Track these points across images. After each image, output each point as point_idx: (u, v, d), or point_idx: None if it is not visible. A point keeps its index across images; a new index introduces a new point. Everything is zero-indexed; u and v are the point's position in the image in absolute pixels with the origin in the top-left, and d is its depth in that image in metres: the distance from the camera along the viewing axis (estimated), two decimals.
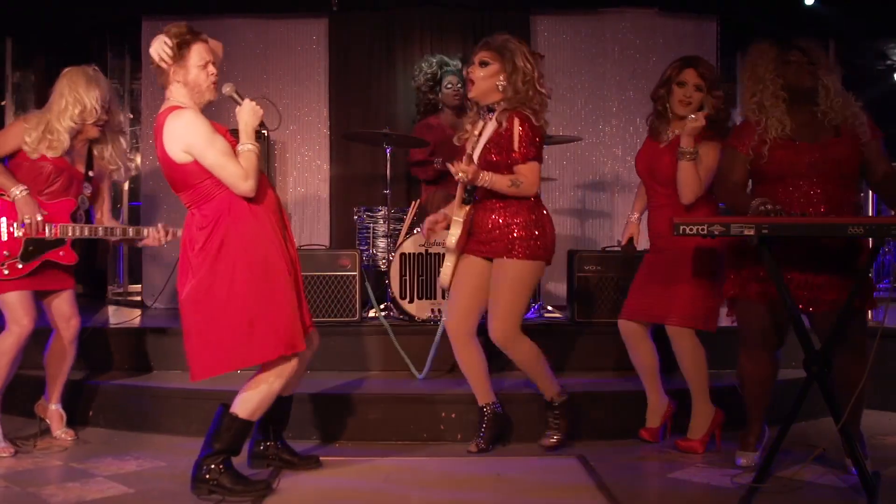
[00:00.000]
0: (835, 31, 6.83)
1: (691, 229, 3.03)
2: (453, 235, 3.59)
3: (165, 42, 3.08)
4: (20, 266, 3.64)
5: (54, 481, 3.28)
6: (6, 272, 3.62)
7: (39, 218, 3.61)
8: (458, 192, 3.62)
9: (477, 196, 3.65)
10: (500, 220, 3.58)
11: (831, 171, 3.26)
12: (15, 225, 3.62)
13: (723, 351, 3.95)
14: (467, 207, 3.62)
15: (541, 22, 6.50)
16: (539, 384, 3.72)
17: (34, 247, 3.65)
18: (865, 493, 2.95)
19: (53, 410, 3.90)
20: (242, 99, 3.17)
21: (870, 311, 3.57)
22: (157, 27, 6.27)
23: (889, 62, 8.85)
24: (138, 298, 6.33)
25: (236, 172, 3.02)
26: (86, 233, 3.78)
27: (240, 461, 3.21)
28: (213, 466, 3.04)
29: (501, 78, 3.55)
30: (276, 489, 3.15)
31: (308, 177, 6.34)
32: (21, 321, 3.65)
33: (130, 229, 3.80)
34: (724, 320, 3.68)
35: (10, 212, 3.64)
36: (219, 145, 3.04)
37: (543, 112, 3.61)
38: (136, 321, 5.19)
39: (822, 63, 3.30)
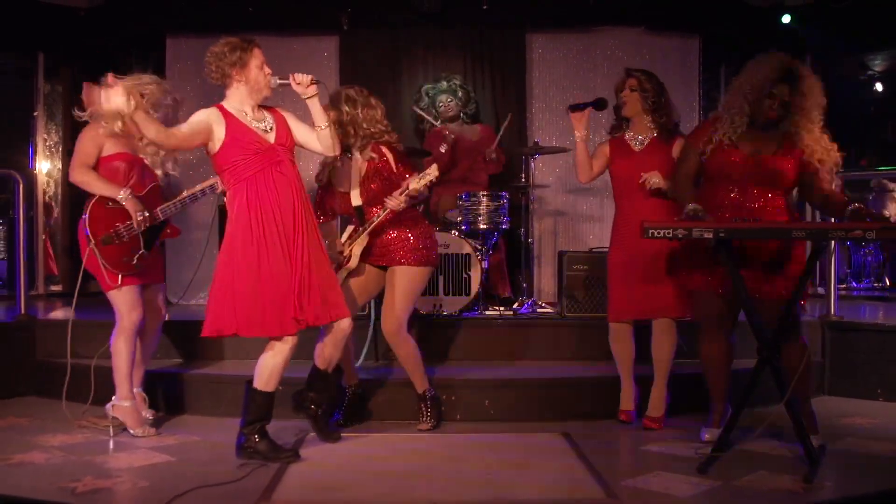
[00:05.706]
0: (811, 46, 7.19)
1: (658, 233, 3.35)
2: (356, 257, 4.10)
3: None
4: (147, 255, 3.97)
5: (104, 452, 3.72)
6: (138, 266, 3.94)
7: (147, 213, 3.91)
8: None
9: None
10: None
11: (764, 181, 3.61)
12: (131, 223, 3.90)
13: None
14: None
15: (536, 39, 6.94)
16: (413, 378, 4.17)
17: (150, 235, 3.98)
18: (808, 462, 3.36)
19: (137, 394, 4.12)
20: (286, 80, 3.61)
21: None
22: (179, 43, 6.81)
23: (870, 72, 9.17)
24: None
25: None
26: (179, 206, 4.04)
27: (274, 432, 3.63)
28: (251, 436, 3.52)
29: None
30: (302, 457, 3.58)
31: None
32: (131, 315, 3.93)
33: (199, 186, 4.07)
34: None
35: (119, 217, 3.89)
36: (184, 128, 3.48)
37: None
38: (165, 316, 5.60)
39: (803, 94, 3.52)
